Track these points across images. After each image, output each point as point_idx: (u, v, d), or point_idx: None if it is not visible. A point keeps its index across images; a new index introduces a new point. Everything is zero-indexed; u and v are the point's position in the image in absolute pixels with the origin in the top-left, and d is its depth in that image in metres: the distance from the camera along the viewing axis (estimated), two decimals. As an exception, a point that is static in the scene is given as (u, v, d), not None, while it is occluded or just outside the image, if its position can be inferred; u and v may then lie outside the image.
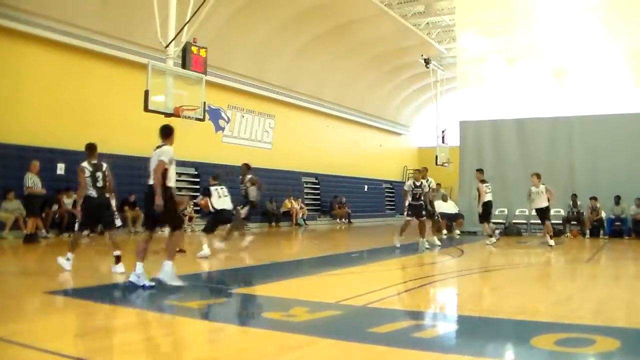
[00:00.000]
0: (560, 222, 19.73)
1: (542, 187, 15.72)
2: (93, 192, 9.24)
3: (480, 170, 16.71)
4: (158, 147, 7.98)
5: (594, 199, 19.02)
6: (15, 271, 10.01)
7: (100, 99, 19.49)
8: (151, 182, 7.73)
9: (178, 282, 7.73)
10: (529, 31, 20.92)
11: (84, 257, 12.64)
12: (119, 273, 8.97)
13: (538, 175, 15.86)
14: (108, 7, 18.67)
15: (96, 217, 9.59)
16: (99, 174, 9.26)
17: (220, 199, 12.25)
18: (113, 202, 10.34)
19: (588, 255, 14.45)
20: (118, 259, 9.15)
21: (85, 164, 9.31)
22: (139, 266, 7.65)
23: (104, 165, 9.44)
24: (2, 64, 17.00)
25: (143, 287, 7.49)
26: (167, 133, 8.12)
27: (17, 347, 4.88)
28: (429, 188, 15.11)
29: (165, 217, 7.85)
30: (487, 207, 16.39)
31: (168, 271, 7.71)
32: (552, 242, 15.29)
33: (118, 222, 14.48)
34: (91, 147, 9.54)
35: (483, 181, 16.38)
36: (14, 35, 16.98)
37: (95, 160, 9.39)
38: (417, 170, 15.88)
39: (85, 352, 4.66)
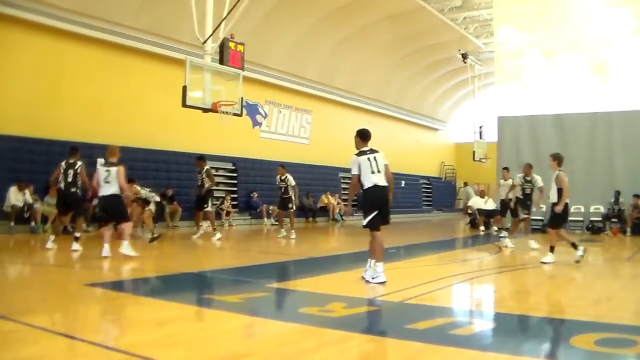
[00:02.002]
0: (600, 219, 19.46)
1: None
2: (62, 185, 11.33)
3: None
4: (371, 150, 8.62)
5: (636, 196, 18.67)
6: (57, 263, 10.22)
7: (139, 95, 19.82)
8: (384, 183, 8.24)
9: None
10: (568, 25, 20.55)
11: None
12: (73, 250, 10.84)
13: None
14: (147, 4, 18.93)
15: (64, 204, 11.53)
16: (71, 171, 11.30)
17: None
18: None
19: (628, 254, 14.19)
20: (77, 239, 11.10)
21: (63, 163, 11.41)
22: (380, 266, 7.89)
23: (78, 164, 11.44)
24: (44, 61, 17.40)
25: (381, 283, 7.74)
26: (369, 136, 8.85)
27: (57, 336, 5.02)
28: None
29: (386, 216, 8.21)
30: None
31: (379, 271, 7.90)
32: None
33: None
34: (72, 149, 11.70)
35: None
36: (54, 32, 17.36)
37: (72, 160, 11.44)
38: (528, 164, 14.42)
39: (123, 344, 4.74)
